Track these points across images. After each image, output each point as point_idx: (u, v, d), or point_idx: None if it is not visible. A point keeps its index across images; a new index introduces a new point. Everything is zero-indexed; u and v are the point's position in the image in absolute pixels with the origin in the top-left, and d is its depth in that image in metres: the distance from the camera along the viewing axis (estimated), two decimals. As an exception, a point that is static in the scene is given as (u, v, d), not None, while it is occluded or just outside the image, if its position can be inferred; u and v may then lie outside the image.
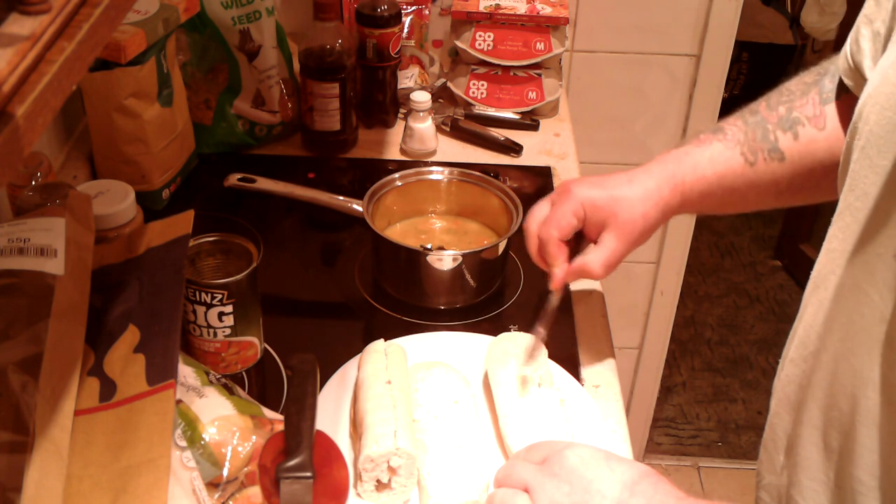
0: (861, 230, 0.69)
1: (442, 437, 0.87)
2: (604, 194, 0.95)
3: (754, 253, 3.16)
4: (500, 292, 1.14)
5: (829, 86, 0.92)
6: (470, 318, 1.09)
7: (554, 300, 0.98)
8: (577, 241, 0.99)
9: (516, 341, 0.97)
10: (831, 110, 0.91)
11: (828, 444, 0.73)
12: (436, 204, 1.20)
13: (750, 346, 2.80)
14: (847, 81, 0.84)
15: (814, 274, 0.78)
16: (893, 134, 0.66)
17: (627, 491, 0.69)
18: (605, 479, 0.70)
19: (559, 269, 0.96)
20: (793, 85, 0.95)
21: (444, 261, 1.07)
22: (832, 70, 0.93)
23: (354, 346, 0.99)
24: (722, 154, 0.94)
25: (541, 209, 0.99)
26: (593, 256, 0.95)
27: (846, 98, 0.90)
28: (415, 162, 1.37)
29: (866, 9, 0.80)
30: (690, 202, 0.96)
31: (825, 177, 0.92)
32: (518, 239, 1.20)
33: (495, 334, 1.00)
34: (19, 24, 0.47)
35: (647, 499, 0.69)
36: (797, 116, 0.92)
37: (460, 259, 1.07)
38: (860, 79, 0.80)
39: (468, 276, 1.09)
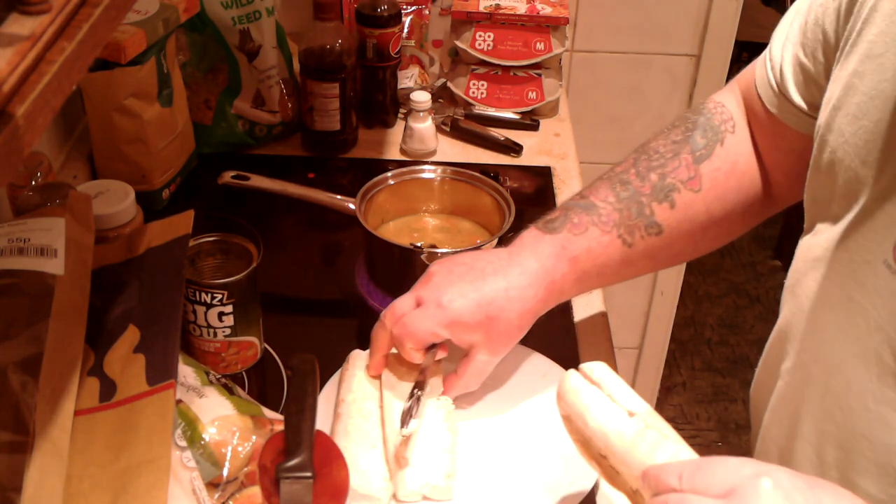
0: (846, 238, 0.67)
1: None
2: (473, 306, 0.84)
3: (754, 253, 3.16)
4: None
5: (701, 142, 0.89)
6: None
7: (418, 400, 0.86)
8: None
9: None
10: (707, 168, 0.88)
11: (822, 458, 0.71)
12: (429, 202, 1.20)
13: (750, 346, 2.80)
14: (772, 109, 0.84)
15: (789, 283, 0.77)
16: (873, 142, 0.65)
17: None
18: None
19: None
20: (661, 145, 0.91)
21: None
22: (701, 123, 0.90)
23: (354, 346, 0.99)
24: (600, 242, 0.88)
25: (402, 305, 0.88)
26: (464, 381, 0.88)
27: (721, 151, 0.89)
28: (413, 161, 1.37)
29: (791, 35, 0.80)
30: (565, 292, 0.90)
31: (703, 236, 0.90)
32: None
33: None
34: (19, 24, 0.47)
35: None
36: (671, 183, 0.88)
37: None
38: (787, 104, 0.81)
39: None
